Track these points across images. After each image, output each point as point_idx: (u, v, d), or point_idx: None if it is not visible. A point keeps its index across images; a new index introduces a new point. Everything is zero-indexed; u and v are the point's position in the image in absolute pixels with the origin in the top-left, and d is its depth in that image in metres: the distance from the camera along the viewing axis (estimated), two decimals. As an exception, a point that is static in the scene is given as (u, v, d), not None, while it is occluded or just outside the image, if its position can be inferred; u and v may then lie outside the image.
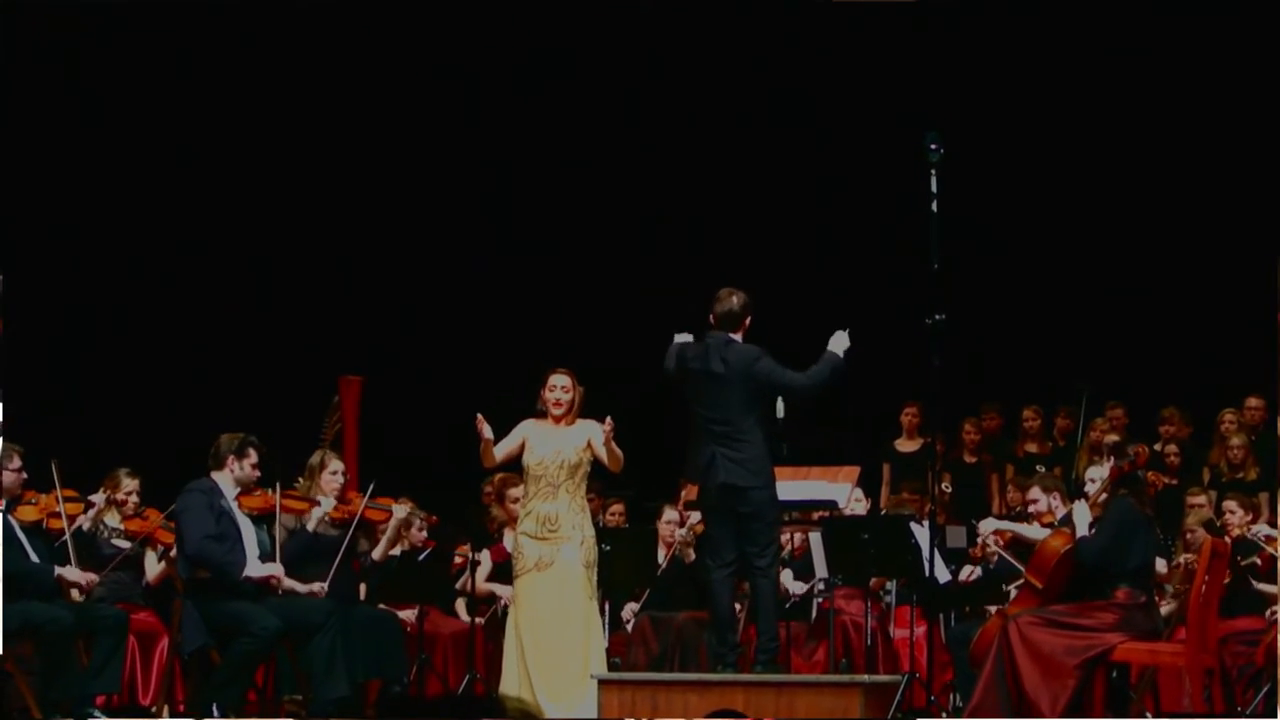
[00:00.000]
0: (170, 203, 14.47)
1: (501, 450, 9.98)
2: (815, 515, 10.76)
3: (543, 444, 9.95)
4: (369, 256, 14.72)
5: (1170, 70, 14.08)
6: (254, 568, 9.77)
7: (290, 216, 14.55)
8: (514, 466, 10.24)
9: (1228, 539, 10.38)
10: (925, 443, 12.54)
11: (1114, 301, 14.17)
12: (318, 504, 10.47)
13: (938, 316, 9.64)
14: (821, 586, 11.29)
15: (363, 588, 11.00)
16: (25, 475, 10.02)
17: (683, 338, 9.81)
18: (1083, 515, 9.85)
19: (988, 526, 10.69)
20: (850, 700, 9.16)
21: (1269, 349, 10.15)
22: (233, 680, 9.61)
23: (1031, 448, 13.75)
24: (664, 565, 11.65)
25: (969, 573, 11.27)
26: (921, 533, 10.56)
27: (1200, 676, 9.64)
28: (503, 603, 11.49)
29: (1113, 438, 12.09)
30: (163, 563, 10.62)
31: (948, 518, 12.31)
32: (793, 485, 10.18)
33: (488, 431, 9.86)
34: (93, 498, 10.32)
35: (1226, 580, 10.24)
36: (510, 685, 9.84)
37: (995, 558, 10.94)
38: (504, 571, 11.03)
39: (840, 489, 10.46)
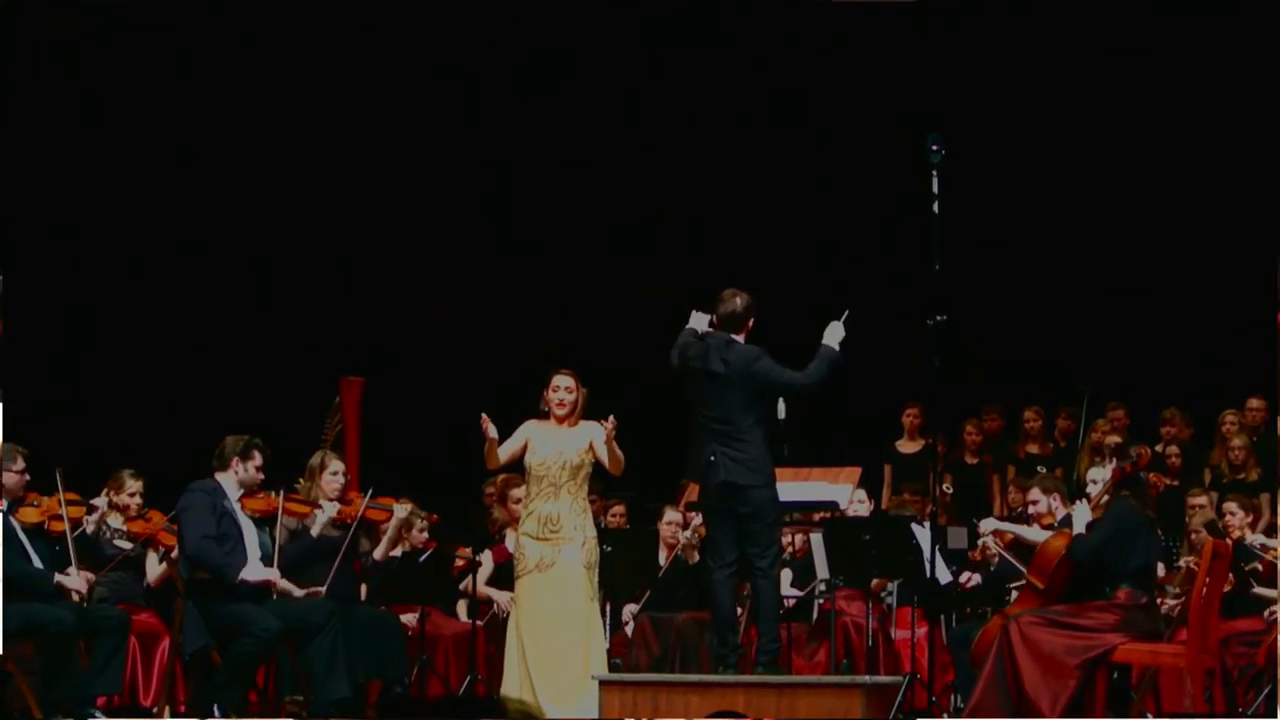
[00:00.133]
0: (170, 203, 14.47)
1: (505, 451, 9.96)
2: (816, 516, 10.76)
3: (545, 444, 9.94)
4: (370, 257, 14.72)
5: (1170, 70, 14.08)
6: (251, 571, 9.76)
7: (290, 216, 14.55)
8: (516, 467, 10.23)
9: (1229, 540, 10.38)
10: (926, 443, 12.55)
11: (1115, 302, 14.18)
12: (320, 508, 10.45)
13: (939, 317, 9.64)
14: (823, 588, 11.28)
15: (364, 589, 10.99)
16: (28, 477, 10.01)
17: (699, 319, 9.76)
18: (1083, 516, 9.86)
19: (988, 527, 10.69)
20: (851, 701, 9.16)
21: (1270, 350, 10.14)
22: (234, 681, 9.62)
23: (1033, 448, 13.75)
24: (665, 566, 11.64)
25: (967, 578, 11.26)
26: (923, 534, 10.56)
27: (1201, 677, 9.65)
28: (499, 607, 11.49)
29: (1114, 439, 12.10)
30: (164, 564, 10.60)
31: (949, 519, 12.31)
32: (794, 486, 10.18)
33: (493, 431, 9.85)
34: (95, 501, 10.30)
35: (1229, 588, 10.27)
36: (511, 686, 9.83)
37: (996, 559, 10.93)
38: (505, 572, 11.01)
39: (841, 490, 10.47)
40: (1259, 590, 10.53)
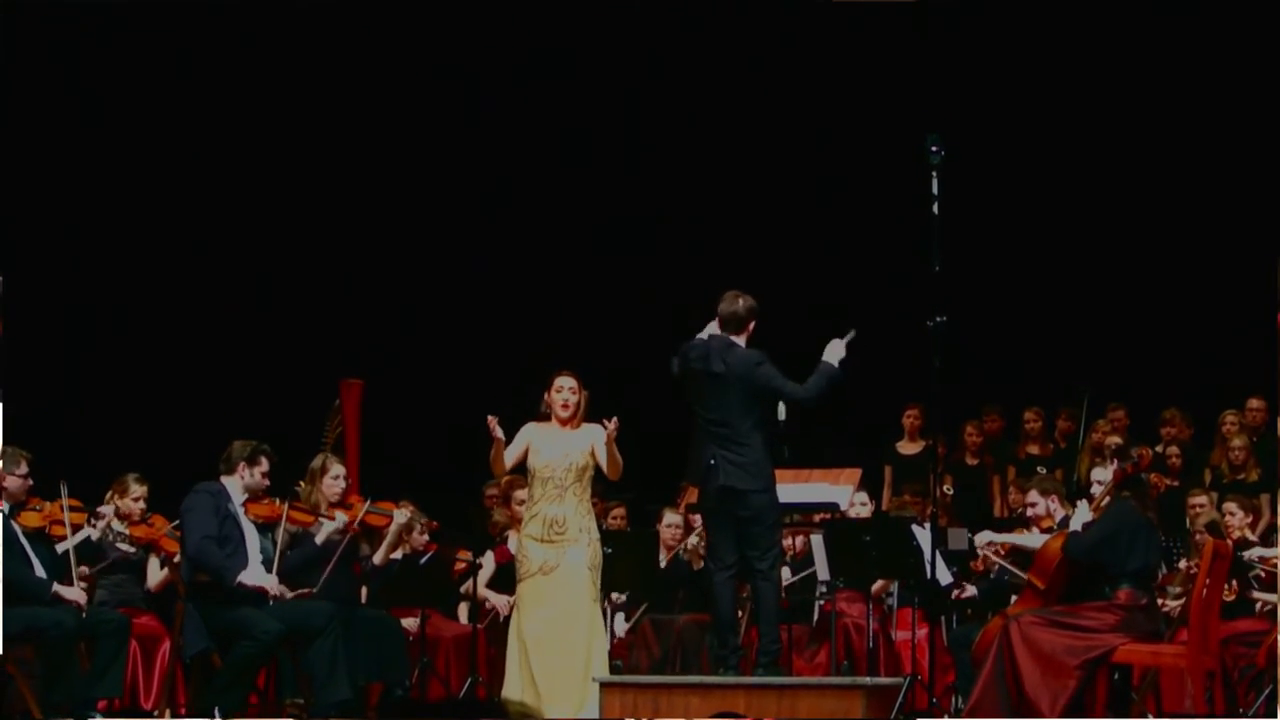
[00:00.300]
0: (170, 204, 14.47)
1: (510, 456, 9.92)
2: (816, 517, 10.76)
3: (549, 447, 9.90)
4: (370, 259, 14.71)
5: (1170, 71, 14.08)
6: (250, 575, 9.76)
7: (291, 218, 14.54)
8: (519, 468, 10.20)
9: (1229, 541, 10.38)
10: (927, 445, 12.55)
11: (1115, 303, 14.18)
12: (330, 519, 10.43)
13: (939, 318, 9.64)
14: (823, 589, 11.28)
15: (364, 591, 10.99)
16: (31, 482, 10.01)
17: (713, 329, 9.75)
18: (1082, 517, 9.87)
19: (983, 539, 10.69)
20: (852, 702, 9.17)
21: (1270, 350, 10.14)
22: (234, 684, 9.61)
23: (1033, 449, 13.75)
24: (663, 566, 11.62)
25: (962, 590, 11.26)
26: (923, 535, 10.56)
27: (1202, 678, 9.64)
28: (496, 611, 11.49)
29: (1114, 439, 12.08)
30: (165, 570, 10.61)
31: (949, 520, 12.29)
32: (794, 487, 10.19)
33: (500, 432, 9.81)
34: (101, 509, 10.29)
35: (1233, 597, 10.28)
36: (513, 689, 9.81)
37: (996, 568, 10.93)
38: (506, 574, 11.01)
39: (842, 491, 10.48)
40: (1259, 595, 10.54)
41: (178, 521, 10.00)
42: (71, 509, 10.04)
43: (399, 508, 10.86)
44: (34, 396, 11.52)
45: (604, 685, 9.46)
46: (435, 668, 11.25)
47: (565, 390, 9.95)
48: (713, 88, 14.74)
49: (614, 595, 11.33)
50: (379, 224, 14.73)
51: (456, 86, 14.89)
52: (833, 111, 14.47)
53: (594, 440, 9.89)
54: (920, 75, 14.13)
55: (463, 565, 11.47)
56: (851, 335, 9.69)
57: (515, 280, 14.77)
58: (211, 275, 14.50)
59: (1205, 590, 9.50)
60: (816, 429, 10.98)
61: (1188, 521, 11.74)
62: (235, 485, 9.91)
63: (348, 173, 14.63)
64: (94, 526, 10.17)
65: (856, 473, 10.62)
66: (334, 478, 10.64)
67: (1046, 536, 10.07)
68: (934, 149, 9.80)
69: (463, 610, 11.70)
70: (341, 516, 10.45)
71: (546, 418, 9.97)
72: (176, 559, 10.03)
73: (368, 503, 10.64)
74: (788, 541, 11.42)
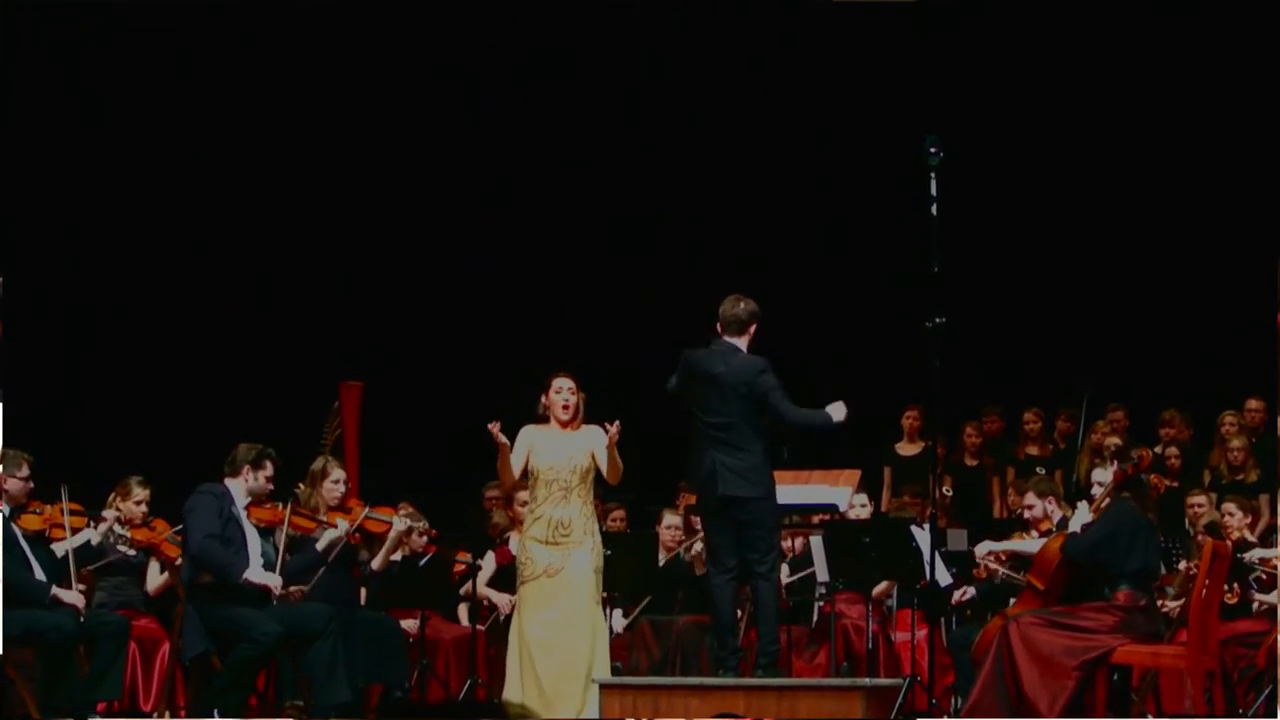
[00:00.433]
0: (170, 204, 14.46)
1: (517, 463, 9.86)
2: (816, 518, 10.76)
3: (552, 449, 9.85)
4: (370, 259, 14.70)
5: (1170, 71, 14.08)
6: (255, 573, 9.78)
7: (291, 218, 14.54)
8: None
9: (1228, 542, 10.38)
10: (926, 446, 12.54)
11: (1114, 303, 14.17)
12: (332, 525, 10.42)
13: (938, 319, 9.63)
14: (823, 591, 11.29)
15: (363, 593, 10.99)
16: (32, 484, 10.01)
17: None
18: (1081, 518, 9.87)
19: (982, 550, 10.69)
20: (852, 703, 9.17)
21: (1269, 351, 10.14)
22: (234, 686, 9.62)
23: (1032, 450, 13.74)
24: (662, 569, 11.62)
25: (963, 593, 11.26)
26: (923, 536, 10.56)
27: (1201, 678, 9.65)
28: (498, 611, 11.48)
29: (1114, 440, 12.09)
30: (165, 575, 10.61)
31: (949, 521, 12.31)
32: (793, 489, 10.19)
33: (504, 439, 9.76)
34: (105, 514, 10.28)
35: (1235, 600, 10.27)
36: (513, 691, 9.79)
37: (999, 575, 10.93)
38: (507, 574, 11.01)
39: (841, 492, 10.48)
40: (1260, 596, 10.54)
41: (180, 526, 10.01)
42: (71, 513, 10.04)
43: (398, 513, 10.85)
44: (34, 396, 11.52)
45: (603, 686, 9.47)
46: (435, 669, 11.25)
47: (564, 391, 9.92)
48: (713, 88, 14.73)
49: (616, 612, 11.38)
50: (379, 225, 14.72)
51: (456, 86, 14.88)
52: (833, 111, 14.46)
53: (595, 442, 9.87)
54: (920, 75, 14.12)
55: (462, 567, 11.47)
56: (845, 415, 9.61)
57: (515, 281, 14.77)
58: (211, 275, 14.50)
59: (1205, 591, 9.51)
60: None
61: (1187, 522, 11.74)
62: (239, 488, 9.92)
63: (348, 173, 14.62)
64: (94, 529, 10.17)
65: (856, 474, 10.62)
66: (334, 482, 10.63)
67: (1044, 540, 10.07)
68: (933, 150, 9.79)
69: (463, 611, 11.70)
70: (343, 523, 10.44)
71: (545, 420, 9.94)
72: (178, 562, 10.04)
73: (367, 508, 10.64)
74: (787, 543, 11.42)
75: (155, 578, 10.77)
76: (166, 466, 11.01)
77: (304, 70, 14.50)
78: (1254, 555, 10.62)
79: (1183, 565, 10.81)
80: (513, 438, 9.86)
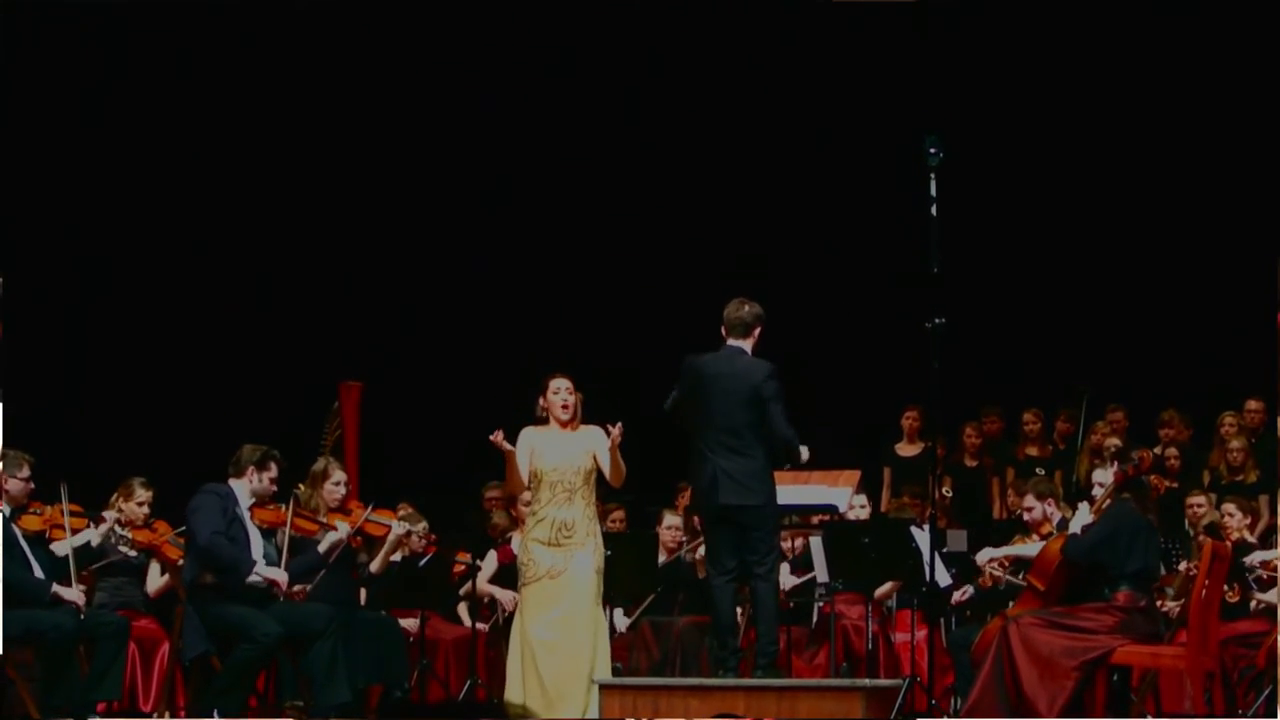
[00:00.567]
0: (170, 204, 14.46)
1: (523, 469, 9.84)
2: (815, 519, 10.76)
3: (554, 450, 9.82)
4: (370, 259, 14.70)
5: (1170, 71, 14.07)
6: (262, 568, 9.80)
7: (291, 218, 14.53)
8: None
9: (1228, 542, 10.39)
10: (926, 446, 12.54)
11: (1114, 304, 14.17)
12: (333, 528, 10.43)
13: (938, 320, 9.63)
14: (823, 591, 11.29)
15: (364, 593, 11.00)
16: (33, 485, 10.01)
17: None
18: (1082, 519, 9.87)
19: (984, 557, 10.68)
20: (851, 704, 9.17)
21: (1269, 351, 10.14)
22: (234, 686, 9.63)
23: (1032, 451, 13.73)
24: (663, 569, 11.62)
25: (963, 593, 11.27)
26: (922, 536, 10.56)
27: (1201, 679, 9.66)
28: (501, 608, 11.48)
29: (1114, 440, 12.09)
30: (165, 577, 10.62)
31: (949, 521, 12.31)
32: (793, 489, 10.18)
33: (509, 445, 9.74)
34: (105, 514, 10.29)
35: (1236, 598, 10.27)
36: (515, 692, 9.78)
37: (1004, 582, 10.94)
38: (509, 572, 11.00)
39: (841, 493, 10.47)
40: (1261, 596, 10.55)
41: (182, 528, 10.01)
42: (71, 513, 10.04)
43: (398, 514, 10.85)
44: (34, 396, 11.52)
45: (603, 687, 9.47)
46: (434, 670, 11.26)
47: (562, 391, 9.89)
48: (713, 87, 14.73)
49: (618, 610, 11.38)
50: (379, 224, 14.72)
51: (456, 85, 14.87)
52: (832, 111, 14.46)
53: (596, 443, 9.85)
54: (920, 75, 14.12)
55: (462, 568, 11.48)
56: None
57: (515, 281, 14.76)
58: (211, 275, 14.49)
59: (1204, 591, 9.51)
60: (817, 430, 10.95)
61: (1187, 523, 11.73)
62: (243, 489, 9.93)
63: (347, 173, 14.61)
64: (94, 529, 10.17)
65: (855, 474, 10.61)
66: (335, 483, 10.63)
67: (1044, 543, 10.07)
68: (933, 150, 9.79)
69: (464, 609, 11.70)
70: (344, 526, 10.44)
71: (544, 421, 9.92)
72: (180, 563, 10.04)
73: (367, 509, 10.64)
74: (787, 544, 11.42)
75: (156, 579, 10.78)
76: (165, 466, 11.02)
77: (304, 70, 14.49)
78: (1255, 558, 10.62)
79: (1183, 566, 10.81)
80: (512, 441, 9.83)
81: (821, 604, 11.43)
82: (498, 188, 14.92)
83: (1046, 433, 13.82)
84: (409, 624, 11.14)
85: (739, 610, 10.01)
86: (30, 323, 11.79)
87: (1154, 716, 10.02)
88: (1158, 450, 12.79)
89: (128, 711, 10.41)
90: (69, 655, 9.67)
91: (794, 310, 12.31)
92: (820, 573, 11.22)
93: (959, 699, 10.53)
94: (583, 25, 14.56)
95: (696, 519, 11.49)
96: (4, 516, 9.78)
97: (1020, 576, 10.51)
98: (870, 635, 11.04)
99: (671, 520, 11.91)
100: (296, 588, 10.10)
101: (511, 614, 10.43)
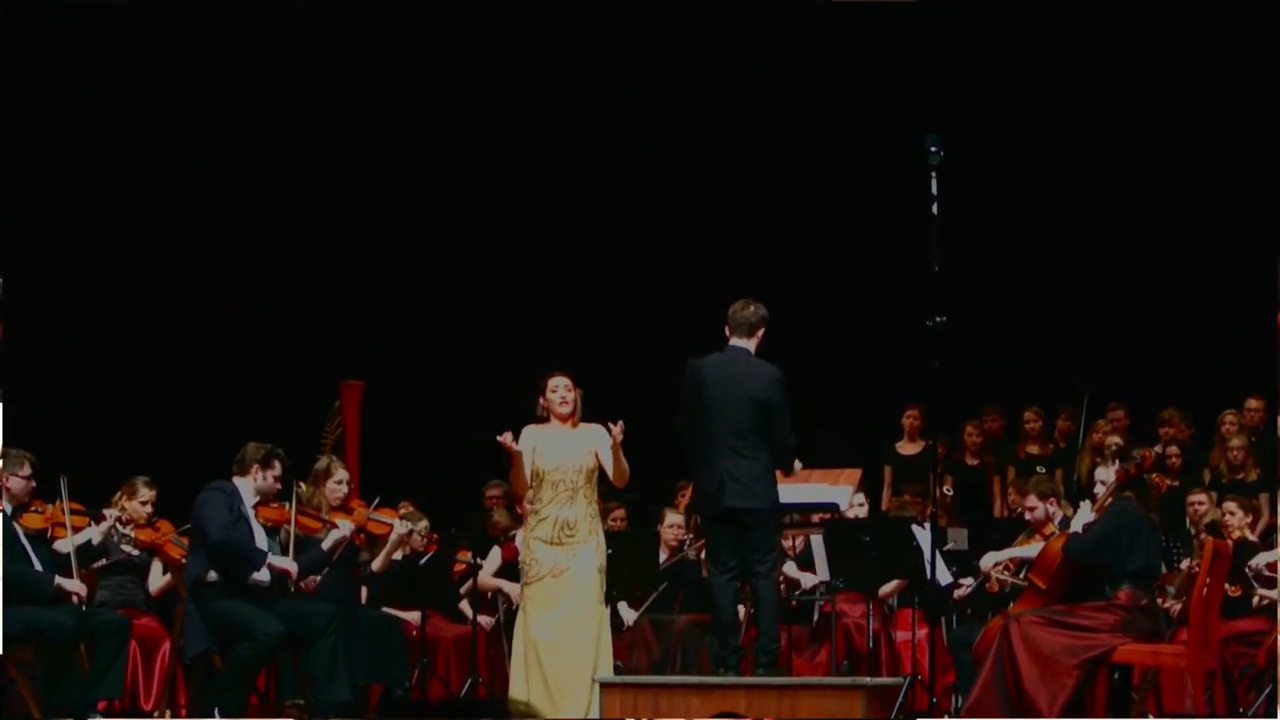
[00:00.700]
0: (170, 204, 14.46)
1: (528, 470, 9.83)
2: (816, 517, 10.76)
3: (556, 449, 9.81)
4: (370, 259, 14.70)
5: (1170, 71, 14.07)
6: (274, 559, 9.85)
7: (291, 218, 14.53)
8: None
9: (1229, 541, 10.39)
10: (927, 445, 12.53)
11: (1114, 303, 14.17)
12: (335, 526, 10.43)
13: (939, 319, 9.63)
14: (823, 590, 11.29)
15: (364, 592, 11.00)
16: (34, 484, 10.01)
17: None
18: (1084, 518, 9.87)
19: (988, 562, 10.65)
20: (852, 702, 9.17)
21: (1269, 350, 10.15)
22: (234, 685, 9.63)
23: (1033, 449, 13.74)
24: (664, 568, 11.63)
25: (965, 589, 11.27)
26: (923, 535, 10.56)
27: (1202, 677, 9.66)
28: (511, 599, 11.47)
29: (1114, 439, 12.08)
30: (167, 576, 10.62)
31: (950, 520, 12.31)
32: (794, 488, 10.16)
33: (516, 447, 9.73)
34: (106, 512, 10.28)
35: (1239, 593, 10.27)
36: (518, 690, 9.77)
37: (1009, 585, 10.94)
38: (512, 571, 10.99)
39: (841, 492, 10.46)
40: (1262, 591, 10.55)
41: (185, 526, 10.01)
42: (72, 512, 10.04)
43: (399, 514, 10.85)
44: (34, 396, 11.52)
45: (604, 685, 9.47)
46: (435, 668, 11.26)
47: (561, 389, 9.88)
48: (712, 87, 14.73)
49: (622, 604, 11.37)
50: (379, 224, 14.72)
51: (456, 85, 14.87)
52: (832, 111, 14.45)
53: (598, 441, 9.84)
54: (920, 75, 14.12)
55: (462, 566, 11.47)
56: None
57: (515, 280, 14.76)
58: (211, 275, 14.49)
59: (1205, 590, 9.51)
60: (817, 429, 10.97)
61: (1188, 521, 11.74)
62: (247, 487, 9.92)
63: (347, 172, 14.61)
64: (96, 528, 10.16)
65: (856, 473, 10.61)
66: (338, 482, 10.64)
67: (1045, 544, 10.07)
68: (933, 149, 9.79)
69: (466, 605, 11.69)
70: (347, 524, 10.44)
71: (545, 420, 9.91)
72: (182, 562, 10.04)
73: (369, 509, 10.64)
74: (787, 543, 11.42)
75: (158, 578, 10.78)
76: (165, 466, 11.01)
77: (304, 70, 14.49)
78: (1259, 561, 10.61)
79: (1184, 564, 10.82)
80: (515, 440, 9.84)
81: (822, 602, 11.43)
82: (498, 188, 14.91)
83: (1047, 431, 13.82)
84: (410, 617, 11.12)
85: (740, 608, 10.00)
86: (30, 323, 11.78)
87: (1155, 715, 10.02)
88: (1158, 449, 12.80)
89: (129, 710, 10.41)
90: (70, 654, 9.68)
91: (795, 309, 12.30)
92: (821, 571, 11.22)
93: (960, 697, 10.53)
94: (583, 25, 14.56)
95: (699, 516, 11.52)
96: (5, 515, 9.78)
97: (1022, 576, 10.51)
98: (871, 634, 11.03)
99: (674, 519, 11.90)
100: (306, 580, 10.13)
101: (517, 607, 10.42)
